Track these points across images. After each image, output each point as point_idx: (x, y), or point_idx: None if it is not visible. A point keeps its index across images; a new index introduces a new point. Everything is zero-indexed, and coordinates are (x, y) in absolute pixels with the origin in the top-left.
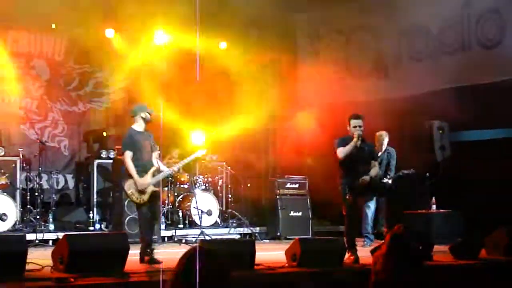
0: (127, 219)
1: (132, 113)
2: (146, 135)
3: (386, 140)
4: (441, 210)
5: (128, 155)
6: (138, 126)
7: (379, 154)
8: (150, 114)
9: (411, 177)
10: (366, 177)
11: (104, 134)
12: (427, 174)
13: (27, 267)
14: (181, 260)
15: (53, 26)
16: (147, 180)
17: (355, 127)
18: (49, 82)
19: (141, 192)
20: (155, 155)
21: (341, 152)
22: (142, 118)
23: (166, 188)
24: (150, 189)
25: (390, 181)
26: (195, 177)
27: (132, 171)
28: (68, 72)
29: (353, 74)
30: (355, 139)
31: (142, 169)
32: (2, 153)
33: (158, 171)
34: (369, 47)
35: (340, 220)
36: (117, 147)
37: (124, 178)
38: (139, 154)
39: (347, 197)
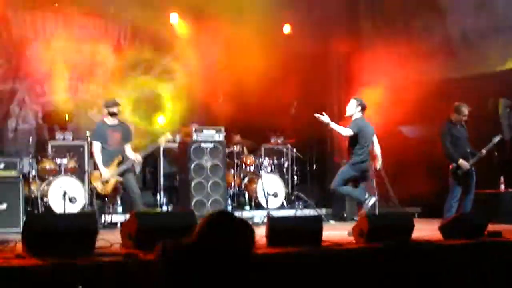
0: (193, 201)
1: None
2: (116, 127)
3: None
4: (509, 189)
5: (94, 145)
6: (107, 119)
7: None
8: (115, 106)
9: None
10: None
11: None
12: (495, 153)
13: (97, 244)
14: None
15: (112, 10)
16: (111, 170)
17: None
18: (115, 67)
19: (105, 182)
20: (128, 146)
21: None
22: (108, 112)
23: (232, 171)
24: (114, 180)
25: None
26: (260, 159)
27: (98, 161)
28: (133, 58)
29: (418, 53)
30: None
31: (109, 159)
32: (71, 138)
33: (123, 161)
34: (434, 26)
35: (406, 200)
36: (183, 129)
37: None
38: (106, 145)
39: None
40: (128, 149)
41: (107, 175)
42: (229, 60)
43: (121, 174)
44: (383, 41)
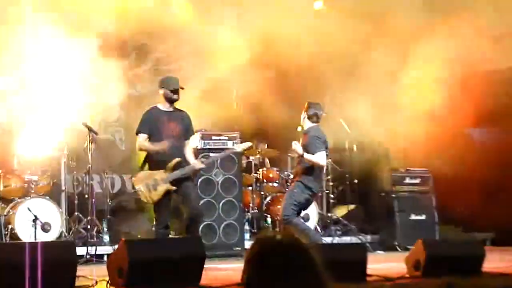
0: (201, 226)
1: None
2: (174, 116)
3: None
4: None
5: (141, 137)
6: (162, 104)
7: None
8: (173, 92)
9: None
10: None
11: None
12: None
13: (77, 282)
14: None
15: None
16: (162, 174)
17: None
18: (98, 58)
19: (152, 189)
20: (187, 142)
21: None
22: (164, 95)
23: (250, 188)
24: (163, 187)
25: None
26: (286, 173)
27: (150, 147)
28: (121, 46)
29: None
30: None
31: (161, 159)
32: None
33: (182, 164)
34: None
35: (475, 223)
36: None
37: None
38: (158, 139)
39: None
40: (189, 149)
41: (154, 180)
42: (248, 45)
43: (175, 183)
44: (441, 21)
